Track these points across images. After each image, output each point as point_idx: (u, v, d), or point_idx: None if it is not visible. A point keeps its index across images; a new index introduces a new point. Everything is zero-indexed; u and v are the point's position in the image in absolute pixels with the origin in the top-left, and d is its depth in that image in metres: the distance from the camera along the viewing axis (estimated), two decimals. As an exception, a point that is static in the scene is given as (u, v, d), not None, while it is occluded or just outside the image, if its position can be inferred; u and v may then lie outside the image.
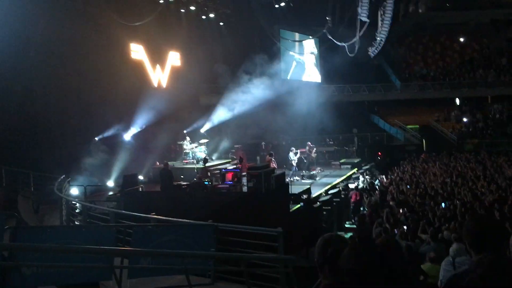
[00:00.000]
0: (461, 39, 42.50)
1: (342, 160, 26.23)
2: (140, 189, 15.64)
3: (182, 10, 24.78)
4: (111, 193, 17.15)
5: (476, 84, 37.11)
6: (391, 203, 14.26)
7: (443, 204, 13.20)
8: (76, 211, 11.98)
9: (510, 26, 41.38)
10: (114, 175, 19.18)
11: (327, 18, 26.83)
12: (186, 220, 8.65)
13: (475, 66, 39.77)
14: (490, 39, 41.77)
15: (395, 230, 10.83)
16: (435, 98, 37.44)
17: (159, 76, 23.92)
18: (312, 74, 36.78)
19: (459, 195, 14.92)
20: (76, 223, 11.38)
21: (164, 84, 24.17)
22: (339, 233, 13.53)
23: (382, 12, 21.85)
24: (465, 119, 36.11)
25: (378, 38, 24.77)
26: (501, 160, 24.78)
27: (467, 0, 42.08)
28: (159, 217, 9.05)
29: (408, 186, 17.81)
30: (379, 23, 22.70)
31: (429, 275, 7.13)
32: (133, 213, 9.67)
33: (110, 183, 18.80)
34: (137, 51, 22.59)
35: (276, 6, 28.25)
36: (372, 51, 27.74)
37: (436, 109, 37.64)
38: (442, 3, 43.29)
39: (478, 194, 14.90)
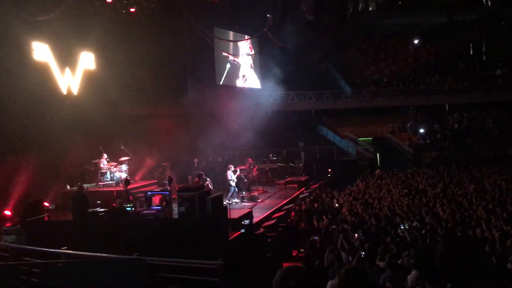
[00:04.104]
0: (416, 41, 44.58)
1: (287, 178, 26.58)
2: (46, 219, 15.05)
3: (97, 3, 24.30)
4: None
5: (432, 91, 38.99)
6: (344, 226, 14.58)
7: (402, 226, 13.67)
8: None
9: (468, 27, 43.84)
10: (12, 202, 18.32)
11: (268, 15, 27.30)
12: (106, 255, 8.42)
13: (431, 71, 41.83)
14: (447, 42, 44.10)
15: (350, 257, 11.07)
16: (389, 106, 38.92)
17: (68, 82, 23.18)
18: (250, 79, 37.16)
19: (418, 216, 15.52)
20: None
21: (75, 91, 23.47)
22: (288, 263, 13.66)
23: None
24: (421, 130, 37.77)
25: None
26: (461, 174, 26.14)
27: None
28: (72, 252, 8.73)
29: (362, 207, 18.28)
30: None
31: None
32: (39, 248, 9.28)
33: (8, 212, 17.92)
34: (41, 51, 21.85)
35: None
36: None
37: (390, 119, 39.11)
38: (394, 0, 45.29)
39: (439, 214, 15.60)
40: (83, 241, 11.86)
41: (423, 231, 12.70)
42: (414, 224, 13.88)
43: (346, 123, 39.26)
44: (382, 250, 10.57)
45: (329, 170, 30.59)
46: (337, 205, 20.20)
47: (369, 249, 11.10)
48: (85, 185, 17.39)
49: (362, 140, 36.80)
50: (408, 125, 38.62)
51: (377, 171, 30.59)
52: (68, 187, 19.89)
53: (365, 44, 45.88)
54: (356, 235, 13.06)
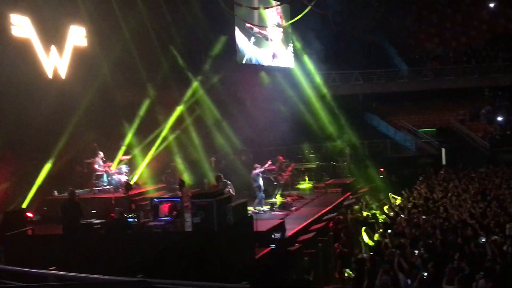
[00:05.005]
0: (491, 5, 43.88)
1: (329, 181, 26.53)
2: (31, 232, 15.26)
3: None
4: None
5: (513, 68, 38.39)
6: (402, 240, 14.50)
7: (482, 240, 13.55)
8: None
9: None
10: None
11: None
12: (103, 277, 8.48)
13: (512, 43, 41.14)
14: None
15: (409, 280, 11.01)
16: (457, 88, 38.43)
17: (55, 62, 23.45)
18: (280, 56, 36.99)
19: (496, 227, 15.32)
20: None
21: (62, 74, 23.75)
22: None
23: None
24: (499, 118, 37.19)
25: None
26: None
27: None
28: (62, 273, 8.82)
29: (424, 216, 18.16)
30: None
31: None
32: (21, 269, 9.41)
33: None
34: (22, 26, 22.14)
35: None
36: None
37: (460, 105, 38.64)
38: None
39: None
40: (75, 259, 11.97)
41: (504, 247, 12.53)
42: (491, 238, 13.71)
43: (402, 110, 39.01)
44: (450, 271, 10.49)
45: (381, 170, 30.41)
46: (391, 214, 20.09)
47: (434, 270, 11.01)
48: (77, 191, 17.56)
49: (423, 132, 36.46)
50: (483, 111, 38.09)
51: (443, 171, 30.30)
52: (56, 193, 20.03)
53: (426, 10, 45.36)
54: (416, 251, 12.98)
